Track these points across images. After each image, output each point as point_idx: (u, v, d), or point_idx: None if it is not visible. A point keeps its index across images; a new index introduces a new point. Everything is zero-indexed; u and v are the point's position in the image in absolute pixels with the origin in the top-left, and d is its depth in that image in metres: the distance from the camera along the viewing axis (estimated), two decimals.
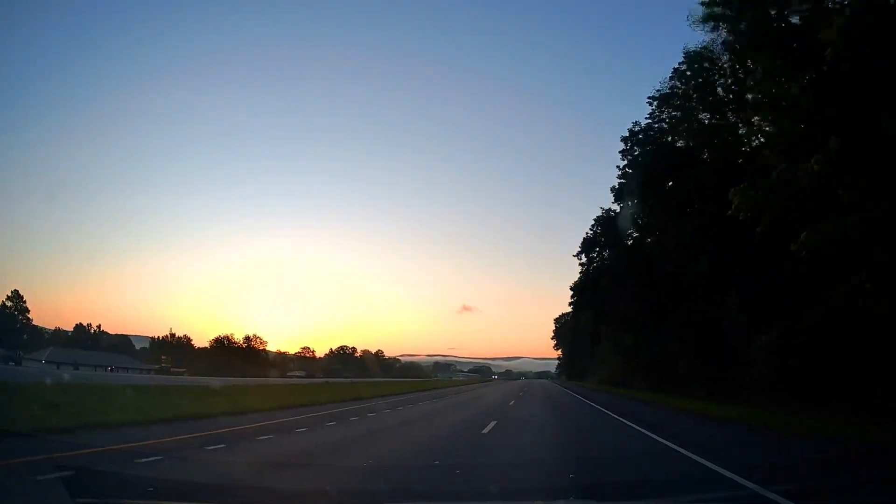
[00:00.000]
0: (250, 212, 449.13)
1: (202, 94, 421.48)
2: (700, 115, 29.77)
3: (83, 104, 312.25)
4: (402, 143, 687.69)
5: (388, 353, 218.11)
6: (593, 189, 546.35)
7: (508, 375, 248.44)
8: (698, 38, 25.96)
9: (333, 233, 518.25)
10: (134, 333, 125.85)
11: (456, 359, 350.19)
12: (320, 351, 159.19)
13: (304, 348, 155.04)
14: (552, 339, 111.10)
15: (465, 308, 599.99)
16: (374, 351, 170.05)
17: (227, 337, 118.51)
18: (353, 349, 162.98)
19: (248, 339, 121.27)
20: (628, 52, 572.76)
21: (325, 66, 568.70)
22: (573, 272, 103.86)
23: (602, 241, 46.29)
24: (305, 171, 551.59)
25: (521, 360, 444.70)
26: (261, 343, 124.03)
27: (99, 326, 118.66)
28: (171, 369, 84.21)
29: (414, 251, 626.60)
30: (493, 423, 15.31)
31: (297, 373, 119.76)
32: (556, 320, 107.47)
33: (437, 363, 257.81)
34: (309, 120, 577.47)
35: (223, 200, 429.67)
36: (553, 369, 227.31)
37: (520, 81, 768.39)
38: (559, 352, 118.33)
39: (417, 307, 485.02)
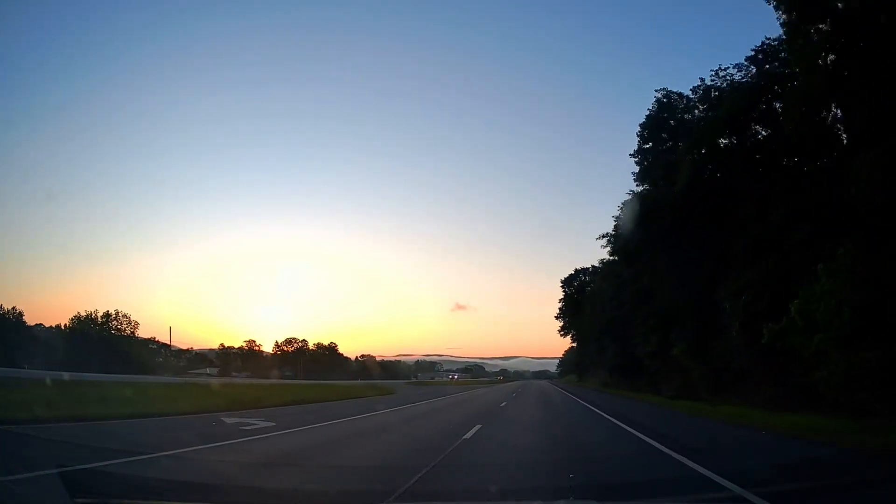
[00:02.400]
0: (245, 210, 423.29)
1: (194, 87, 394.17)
2: None
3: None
4: (394, 141, 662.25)
5: (385, 355, 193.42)
6: (590, 188, 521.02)
7: (503, 375, 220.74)
8: None
9: (326, 233, 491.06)
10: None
11: (452, 358, 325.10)
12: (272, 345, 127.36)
13: (248, 341, 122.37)
14: (557, 317, 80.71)
15: (459, 307, 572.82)
16: (327, 344, 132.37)
17: (91, 315, 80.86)
18: (304, 342, 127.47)
19: (107, 316, 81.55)
20: (624, 52, 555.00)
21: (319, 66, 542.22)
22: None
23: None
24: (297, 168, 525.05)
25: (519, 359, 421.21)
26: (131, 325, 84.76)
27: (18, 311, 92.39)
28: None
29: (410, 250, 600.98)
30: None
31: (209, 370, 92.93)
32: (565, 282, 76.27)
33: (418, 362, 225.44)
34: (300, 116, 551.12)
35: (213, 190, 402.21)
36: (553, 368, 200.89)
37: (517, 79, 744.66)
38: (568, 338, 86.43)
39: (416, 307, 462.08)
